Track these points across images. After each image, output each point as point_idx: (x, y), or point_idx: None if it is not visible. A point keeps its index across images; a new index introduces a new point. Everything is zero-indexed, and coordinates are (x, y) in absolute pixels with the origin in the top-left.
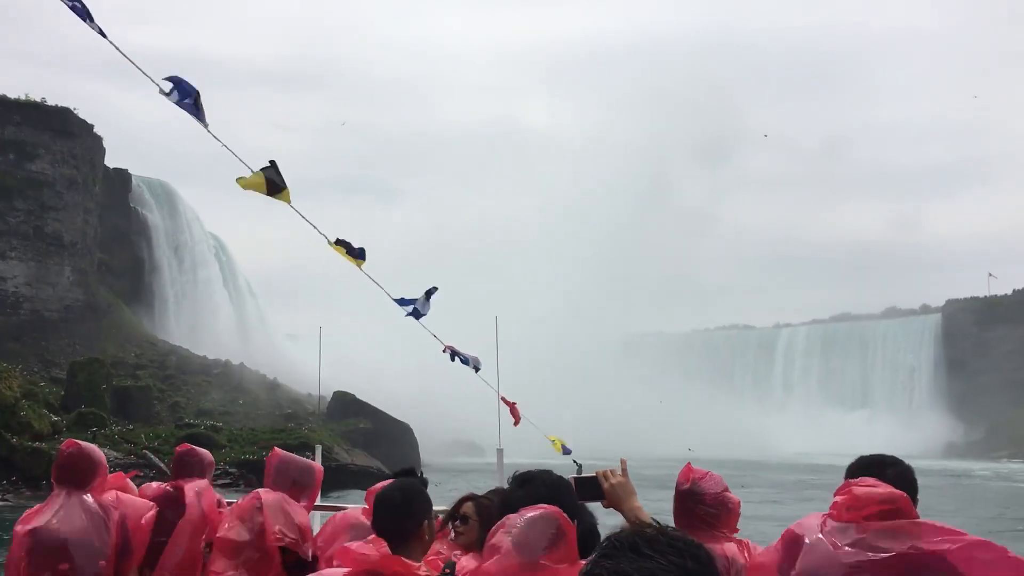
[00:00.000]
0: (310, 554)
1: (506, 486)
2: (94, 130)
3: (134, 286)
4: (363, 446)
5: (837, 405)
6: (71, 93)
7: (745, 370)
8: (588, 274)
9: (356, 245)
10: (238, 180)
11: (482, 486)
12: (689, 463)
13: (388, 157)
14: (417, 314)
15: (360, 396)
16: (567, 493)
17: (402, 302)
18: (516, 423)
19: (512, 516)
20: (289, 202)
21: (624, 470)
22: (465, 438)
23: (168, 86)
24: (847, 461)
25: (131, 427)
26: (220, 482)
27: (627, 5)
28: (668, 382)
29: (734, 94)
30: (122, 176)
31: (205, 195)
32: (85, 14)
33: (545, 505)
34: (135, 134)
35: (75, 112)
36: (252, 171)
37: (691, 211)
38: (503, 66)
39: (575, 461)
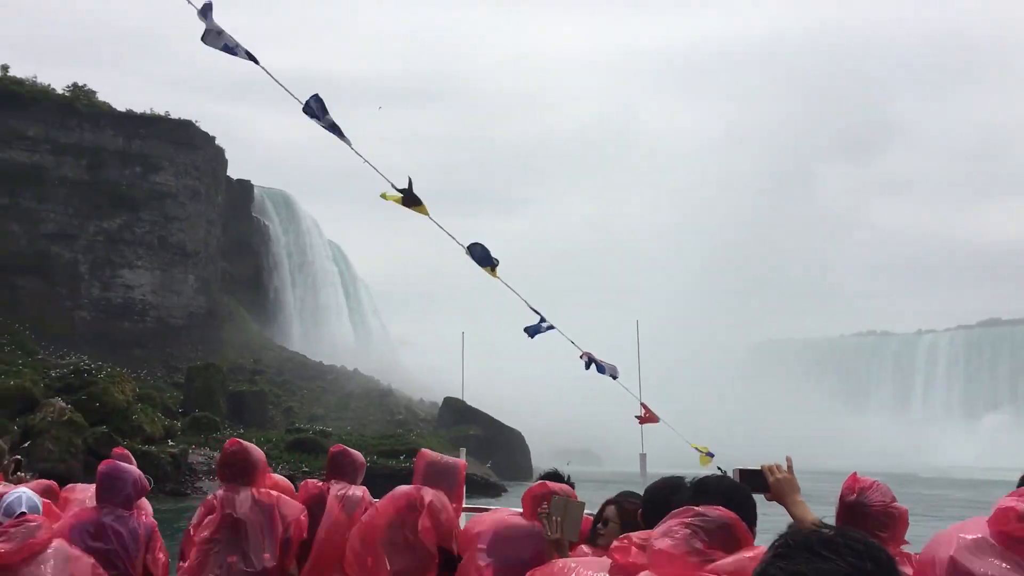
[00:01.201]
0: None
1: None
2: (215, 142)
3: (255, 293)
4: (473, 453)
5: (983, 415)
6: (201, 111)
7: (883, 379)
8: (715, 278)
9: (487, 254)
10: (382, 195)
11: (596, 497)
12: (855, 472)
13: (507, 168)
14: (540, 329)
15: (472, 403)
16: (746, 499)
17: (538, 320)
18: (652, 421)
19: (685, 510)
20: (428, 214)
21: (790, 467)
22: (579, 446)
23: (309, 107)
24: (996, 475)
25: (241, 431)
26: None
27: (753, 2)
28: (798, 391)
29: (880, 89)
30: (244, 187)
31: (327, 206)
32: (235, 46)
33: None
34: (260, 149)
35: (197, 125)
36: (392, 184)
37: (830, 210)
38: (621, 71)
39: (719, 468)
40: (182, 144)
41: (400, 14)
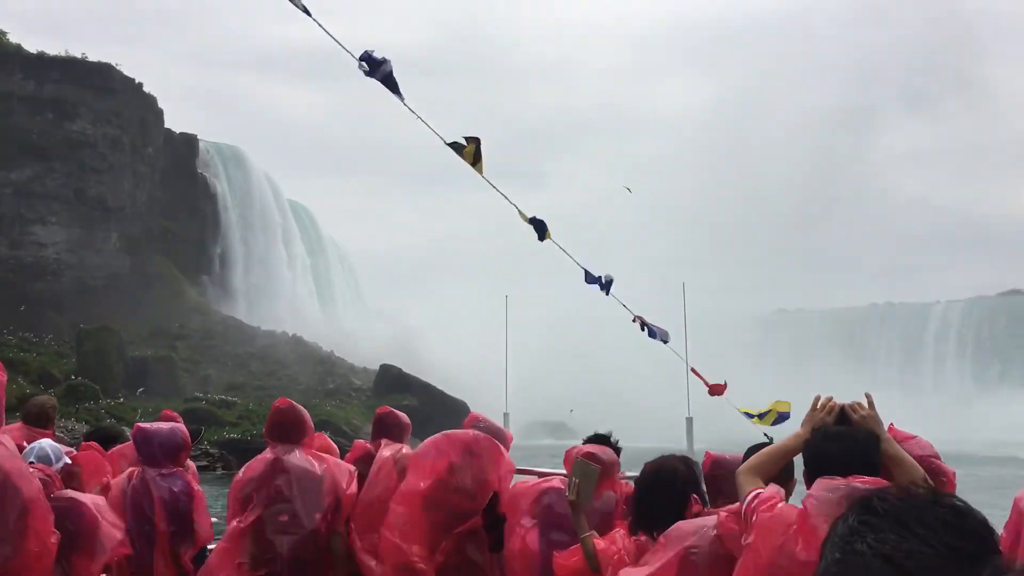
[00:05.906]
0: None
1: (693, 456)
2: (143, 88)
3: (198, 254)
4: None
5: (996, 389)
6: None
7: (892, 350)
8: (730, 248)
9: (543, 224)
10: (451, 144)
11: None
12: (892, 423)
13: (531, 140)
14: (607, 288)
15: (411, 371)
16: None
17: (590, 278)
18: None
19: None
20: (482, 173)
21: (871, 403)
22: (553, 420)
23: (364, 65)
24: (1011, 451)
25: (122, 401)
26: (199, 464)
27: None
28: (810, 362)
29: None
30: (188, 140)
31: (304, 176)
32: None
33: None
34: (245, 118)
35: (118, 68)
36: (445, 141)
37: (860, 178)
38: (644, 40)
39: (766, 434)
40: (101, 89)
41: None
